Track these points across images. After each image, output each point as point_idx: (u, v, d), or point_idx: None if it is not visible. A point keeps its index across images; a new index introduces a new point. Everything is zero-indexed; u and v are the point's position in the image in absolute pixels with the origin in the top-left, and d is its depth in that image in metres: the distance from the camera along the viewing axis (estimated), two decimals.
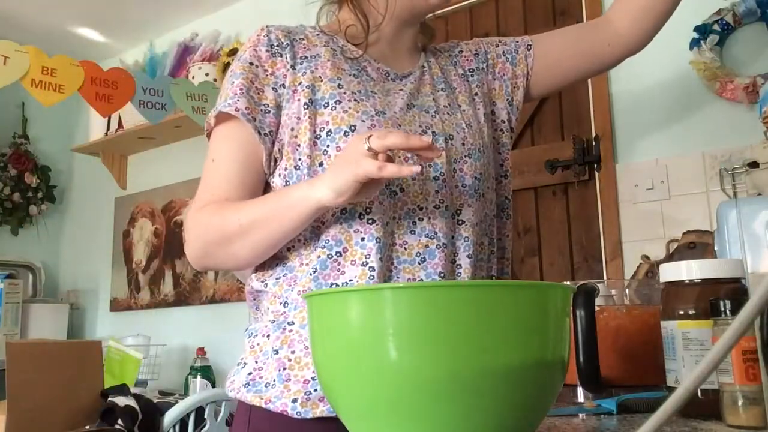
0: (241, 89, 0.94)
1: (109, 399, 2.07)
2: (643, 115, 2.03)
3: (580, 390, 0.86)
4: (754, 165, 1.64)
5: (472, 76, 1.12)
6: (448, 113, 1.03)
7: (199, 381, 2.67)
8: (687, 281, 0.73)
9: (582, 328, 0.78)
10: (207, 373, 2.71)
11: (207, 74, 2.97)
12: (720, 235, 1.18)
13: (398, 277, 0.91)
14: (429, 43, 1.13)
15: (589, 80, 2.16)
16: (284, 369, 0.89)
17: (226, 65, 2.93)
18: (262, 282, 0.97)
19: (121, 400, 2.05)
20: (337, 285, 0.90)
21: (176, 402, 2.17)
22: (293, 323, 0.91)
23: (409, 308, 0.51)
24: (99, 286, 3.58)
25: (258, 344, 0.94)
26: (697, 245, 1.86)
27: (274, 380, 0.89)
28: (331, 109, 0.94)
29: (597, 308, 0.84)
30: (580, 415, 0.77)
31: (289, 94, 0.96)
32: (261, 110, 0.95)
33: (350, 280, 0.89)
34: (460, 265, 0.95)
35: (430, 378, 0.49)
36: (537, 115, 2.34)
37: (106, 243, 3.55)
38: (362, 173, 0.78)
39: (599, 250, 2.10)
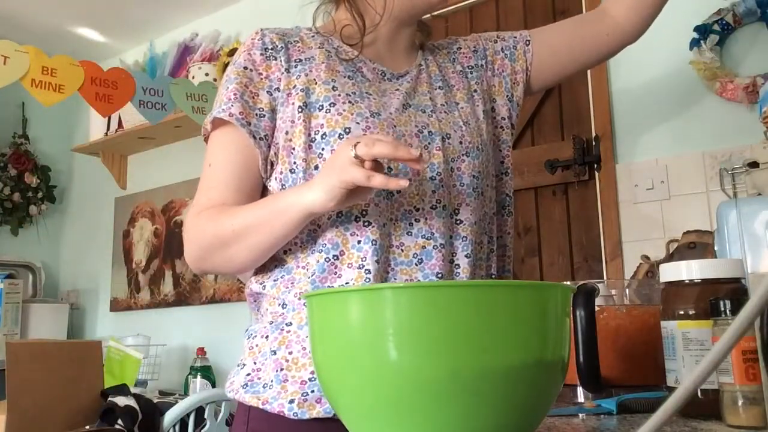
0: (235, 94, 0.95)
1: (109, 399, 2.07)
2: (643, 115, 2.03)
3: (580, 390, 0.86)
4: (754, 165, 1.64)
5: (471, 72, 1.11)
6: (445, 112, 1.02)
7: (199, 381, 2.67)
8: (687, 281, 0.73)
9: (582, 328, 0.78)
10: (207, 373, 2.71)
11: (207, 74, 2.97)
12: (720, 235, 1.18)
13: (395, 279, 0.91)
14: (426, 41, 1.13)
15: (589, 80, 2.16)
16: (281, 370, 0.89)
17: (226, 65, 2.92)
18: (261, 284, 0.97)
19: (121, 400, 2.05)
20: (332, 287, 0.90)
21: (176, 402, 2.17)
22: (291, 324, 0.91)
23: (409, 308, 0.51)
24: (99, 286, 3.58)
25: (257, 345, 0.95)
26: (697, 245, 1.86)
27: (272, 381, 0.89)
28: (326, 112, 0.94)
29: (597, 308, 0.84)
30: (580, 415, 0.77)
31: (283, 98, 0.96)
32: (256, 114, 0.95)
33: (347, 283, 0.90)
34: (458, 264, 0.95)
35: (430, 378, 0.49)
36: (537, 115, 2.34)
37: (106, 243, 3.55)
38: (349, 180, 0.78)
39: (599, 250, 2.10)
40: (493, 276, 1.03)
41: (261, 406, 0.89)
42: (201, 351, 2.76)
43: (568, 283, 0.76)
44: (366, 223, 0.91)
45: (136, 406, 2.06)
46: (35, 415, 1.91)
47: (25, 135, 3.65)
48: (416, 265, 0.91)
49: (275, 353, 0.91)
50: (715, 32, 1.87)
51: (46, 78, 2.46)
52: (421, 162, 0.79)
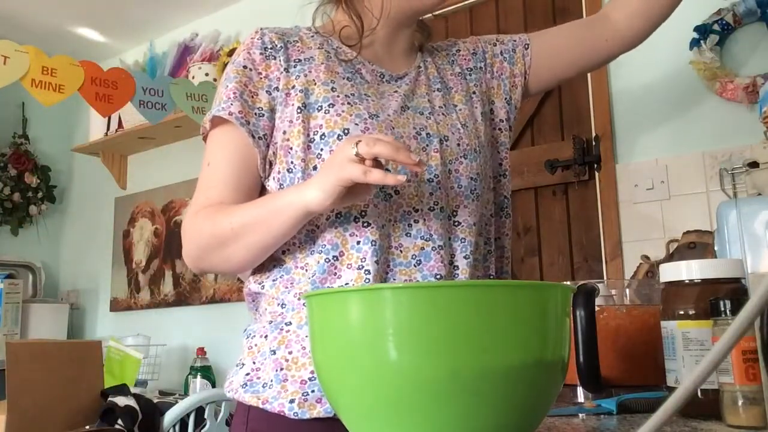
0: (234, 93, 0.95)
1: (109, 399, 2.07)
2: (643, 115, 2.03)
3: (580, 390, 0.86)
4: (754, 165, 1.64)
5: (470, 74, 1.11)
6: (443, 114, 1.02)
7: (199, 381, 2.67)
8: (687, 281, 0.73)
9: (582, 328, 0.78)
10: (207, 373, 2.71)
11: (207, 74, 2.97)
12: (720, 235, 1.18)
13: (394, 279, 0.91)
14: (426, 42, 1.13)
15: (589, 80, 2.16)
16: (281, 369, 0.89)
17: (226, 65, 2.92)
18: (259, 284, 0.97)
19: (121, 400, 2.05)
20: (332, 287, 0.90)
21: (176, 402, 2.17)
22: (290, 323, 0.91)
23: (409, 308, 0.51)
24: (99, 286, 3.58)
25: (256, 345, 0.95)
26: (697, 245, 1.86)
27: (272, 380, 0.89)
28: (324, 113, 0.94)
29: (597, 308, 0.84)
30: (580, 415, 0.77)
31: (282, 98, 0.96)
32: (255, 114, 0.95)
33: (346, 284, 0.90)
34: (457, 266, 0.95)
35: (430, 378, 0.49)
36: (537, 115, 2.34)
37: (106, 243, 3.55)
38: (347, 177, 0.79)
39: (599, 250, 2.10)
40: (492, 277, 1.03)
41: (261, 406, 0.89)
42: (201, 351, 2.76)
43: (568, 283, 0.76)
44: (365, 224, 0.91)
45: (136, 406, 2.06)
46: (35, 415, 1.91)
47: (25, 135, 3.65)
48: (415, 266, 0.91)
49: (275, 353, 0.91)
50: (715, 32, 1.87)
51: (46, 78, 2.47)
52: (421, 165, 0.79)
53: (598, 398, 0.81)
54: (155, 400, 2.25)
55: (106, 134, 3.35)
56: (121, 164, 3.52)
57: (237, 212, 0.91)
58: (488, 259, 1.02)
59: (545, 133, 2.32)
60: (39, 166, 3.66)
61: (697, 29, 1.89)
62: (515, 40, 1.14)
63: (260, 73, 0.97)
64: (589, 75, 2.16)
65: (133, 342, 2.93)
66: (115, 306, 3.45)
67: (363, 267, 0.89)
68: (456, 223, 0.96)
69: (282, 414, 0.87)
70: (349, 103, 0.95)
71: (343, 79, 0.99)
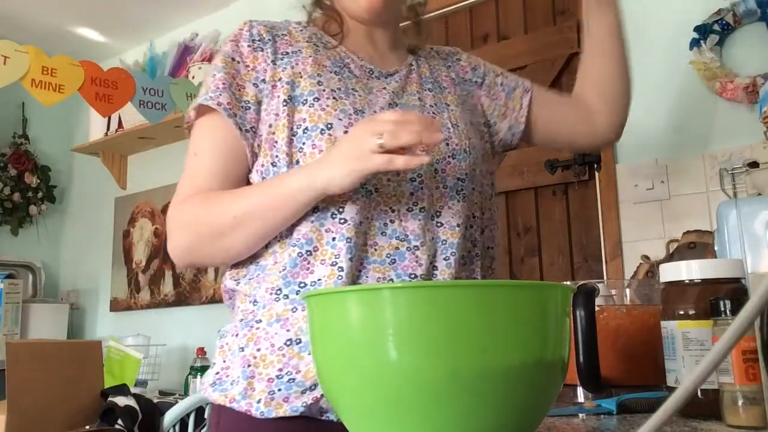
0: (223, 83, 0.94)
1: (109, 399, 2.07)
2: (643, 115, 2.03)
3: (580, 390, 0.86)
4: (754, 165, 1.64)
5: (464, 84, 1.12)
6: (433, 112, 1.01)
7: (199, 381, 2.67)
8: (687, 281, 0.73)
9: (582, 328, 0.78)
10: None
11: (207, 74, 2.97)
12: (720, 235, 1.18)
13: (367, 277, 0.89)
14: (421, 43, 1.12)
15: None
16: (249, 366, 0.88)
17: None
18: (235, 280, 0.96)
19: (121, 400, 2.05)
20: (305, 284, 0.88)
21: (176, 402, 2.17)
22: (261, 321, 0.90)
23: (408, 308, 0.51)
24: (99, 286, 3.58)
25: (227, 344, 0.94)
26: (697, 245, 1.86)
27: (239, 377, 0.88)
28: (309, 106, 0.93)
29: (597, 308, 0.84)
30: (580, 415, 0.77)
31: (268, 90, 0.95)
32: (242, 107, 0.95)
33: (318, 280, 0.88)
34: (436, 266, 0.92)
35: (430, 378, 0.49)
36: None
37: (106, 243, 3.55)
38: (372, 169, 0.80)
39: (599, 250, 2.10)
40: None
41: (228, 405, 0.88)
42: (201, 351, 2.76)
43: (568, 283, 0.76)
44: (342, 221, 0.89)
45: (136, 406, 2.06)
46: (35, 415, 1.91)
47: (25, 135, 3.65)
48: (389, 264, 0.89)
49: (243, 350, 0.89)
50: (715, 32, 1.87)
51: (46, 78, 2.47)
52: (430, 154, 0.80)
53: (598, 398, 0.81)
54: (155, 400, 2.25)
55: (106, 134, 3.35)
56: (121, 164, 3.52)
57: (237, 199, 0.89)
58: (474, 263, 0.98)
59: None
60: (39, 166, 3.66)
61: (697, 29, 1.89)
62: (518, 81, 1.16)
63: (248, 66, 0.96)
64: None
65: (133, 342, 2.93)
66: (115, 306, 3.45)
67: (336, 263, 0.87)
68: (439, 224, 0.94)
69: (249, 413, 0.86)
70: (334, 98, 0.94)
71: (331, 72, 0.97)
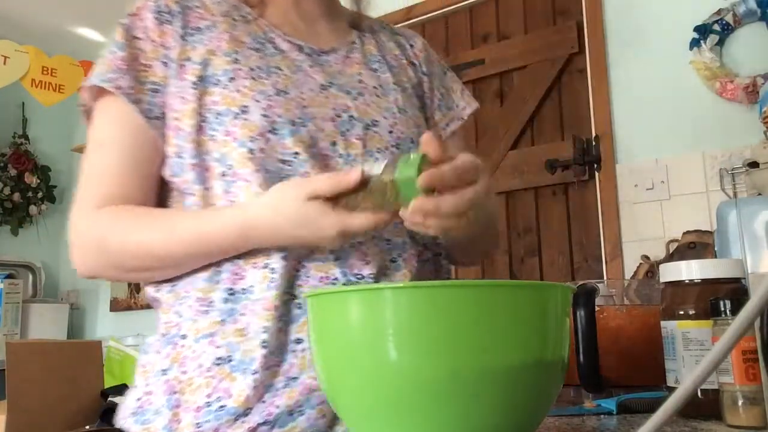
0: (124, 62, 0.82)
1: (109, 399, 2.07)
2: (643, 115, 2.03)
3: (580, 390, 0.86)
4: (754, 165, 1.64)
5: (413, 69, 1.00)
6: (377, 95, 0.89)
7: None
8: (687, 281, 0.73)
9: (582, 328, 0.78)
10: None
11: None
12: (720, 235, 1.18)
13: (308, 277, 0.78)
14: (361, 16, 1.00)
15: (589, 80, 2.16)
16: (174, 393, 0.76)
17: None
18: (156, 288, 0.84)
19: (121, 400, 2.05)
20: (233, 291, 0.78)
21: None
22: (186, 337, 0.78)
23: (408, 308, 0.51)
24: (99, 286, 3.58)
25: (149, 362, 0.81)
26: (697, 245, 1.86)
27: (162, 406, 0.76)
28: (222, 88, 0.81)
29: (597, 308, 0.84)
30: (580, 415, 0.77)
31: (176, 70, 0.82)
32: (149, 90, 0.82)
33: (251, 286, 0.77)
34: (387, 266, 0.82)
35: (430, 378, 0.49)
36: (537, 115, 2.34)
37: None
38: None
39: (599, 250, 2.10)
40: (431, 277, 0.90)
41: None
42: None
43: (569, 283, 0.76)
44: None
45: None
46: (35, 415, 1.91)
47: (25, 135, 3.65)
48: (334, 261, 0.79)
49: (165, 372, 0.78)
50: (715, 32, 1.88)
51: (46, 78, 2.47)
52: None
53: (598, 398, 0.81)
54: None
55: None
56: None
57: (164, 237, 0.77)
58: (426, 267, 0.88)
59: (545, 133, 2.32)
60: (39, 166, 3.66)
61: (697, 29, 1.89)
62: (458, 105, 1.02)
63: (154, 41, 0.83)
64: (588, 74, 2.16)
65: (133, 342, 2.93)
66: (115, 306, 3.45)
67: (268, 265, 0.77)
68: None
69: None
70: (252, 78, 0.81)
71: (250, 49, 0.85)
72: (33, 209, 3.59)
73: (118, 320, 3.42)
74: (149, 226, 0.79)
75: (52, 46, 2.78)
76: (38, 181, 3.61)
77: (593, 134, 2.14)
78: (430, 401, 0.50)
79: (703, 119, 1.92)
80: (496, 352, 0.50)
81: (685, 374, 0.70)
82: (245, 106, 0.79)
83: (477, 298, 0.50)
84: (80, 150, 3.48)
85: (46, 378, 1.97)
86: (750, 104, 1.81)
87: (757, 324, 0.58)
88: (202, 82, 0.81)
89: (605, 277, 2.02)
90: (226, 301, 0.77)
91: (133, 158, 0.81)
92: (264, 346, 0.75)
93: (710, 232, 1.81)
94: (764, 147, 1.64)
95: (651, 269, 1.92)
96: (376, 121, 0.86)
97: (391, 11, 2.64)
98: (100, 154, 0.82)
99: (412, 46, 1.03)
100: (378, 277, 0.80)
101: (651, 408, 0.75)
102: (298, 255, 0.78)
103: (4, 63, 2.40)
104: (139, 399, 0.79)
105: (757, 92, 1.77)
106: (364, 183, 0.70)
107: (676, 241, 1.91)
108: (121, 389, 2.14)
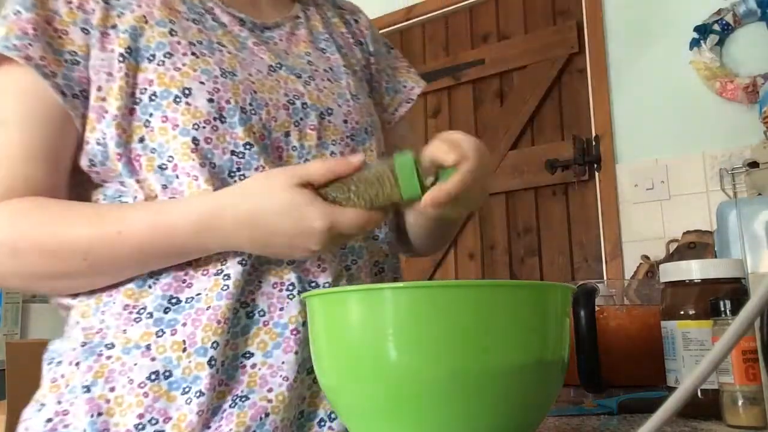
0: (33, 27, 0.67)
1: None
2: (643, 115, 2.03)
3: (580, 390, 0.86)
4: (754, 165, 1.64)
5: (360, 47, 0.91)
6: (328, 79, 0.80)
7: None
8: (687, 281, 0.73)
9: (582, 328, 0.78)
10: None
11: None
12: (720, 235, 1.18)
13: (261, 281, 0.70)
14: None
15: (589, 80, 2.16)
16: (99, 414, 0.65)
17: None
18: (70, 295, 0.74)
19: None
20: (178, 300, 0.68)
21: None
22: (113, 346, 0.67)
23: (408, 308, 0.51)
24: None
25: (62, 376, 0.69)
26: (697, 245, 1.86)
27: (84, 430, 0.65)
28: (158, 64, 0.69)
29: (597, 308, 0.84)
30: (580, 415, 0.77)
31: (97, 38, 0.70)
32: (65, 61, 0.68)
33: (198, 294, 0.68)
34: (342, 270, 0.75)
35: (430, 378, 0.49)
36: (537, 115, 2.34)
37: None
38: (321, 250, 0.66)
39: (599, 250, 2.10)
40: (389, 279, 0.84)
41: None
42: None
43: (568, 283, 0.76)
44: None
45: None
46: None
47: None
48: (288, 264, 0.71)
49: (89, 390, 0.66)
50: (715, 32, 1.88)
51: None
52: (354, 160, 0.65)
53: (598, 398, 0.81)
54: None
55: None
56: None
57: (109, 235, 0.65)
58: (383, 273, 0.81)
59: (545, 133, 2.32)
60: None
61: (697, 29, 1.90)
62: (405, 86, 0.95)
63: (70, 2, 0.70)
64: (589, 74, 2.16)
65: None
66: None
67: (222, 272, 0.68)
68: None
69: None
70: (193, 54, 0.71)
71: (188, 20, 0.73)
72: None
73: None
74: (76, 221, 0.66)
75: None
76: None
77: (593, 134, 2.14)
78: (430, 401, 0.50)
79: (703, 119, 1.92)
80: (496, 352, 0.50)
81: (685, 374, 0.70)
82: (187, 89, 0.68)
83: (477, 298, 0.50)
84: None
85: None
86: (750, 104, 1.81)
87: (757, 324, 0.58)
88: (132, 56, 0.69)
89: (605, 277, 2.03)
90: (166, 310, 0.67)
91: (44, 142, 0.68)
92: (211, 365, 0.65)
93: (710, 232, 1.82)
94: (764, 147, 1.64)
95: (651, 269, 1.93)
96: (330, 109, 0.77)
97: (390, 11, 2.64)
98: (3, 134, 0.68)
99: (356, 21, 0.94)
100: (333, 281, 0.73)
101: (651, 408, 0.75)
102: (254, 262, 0.69)
103: None
104: (50, 420, 0.68)
105: (757, 92, 1.77)
106: (358, 171, 0.64)
107: (676, 241, 1.91)
108: None
